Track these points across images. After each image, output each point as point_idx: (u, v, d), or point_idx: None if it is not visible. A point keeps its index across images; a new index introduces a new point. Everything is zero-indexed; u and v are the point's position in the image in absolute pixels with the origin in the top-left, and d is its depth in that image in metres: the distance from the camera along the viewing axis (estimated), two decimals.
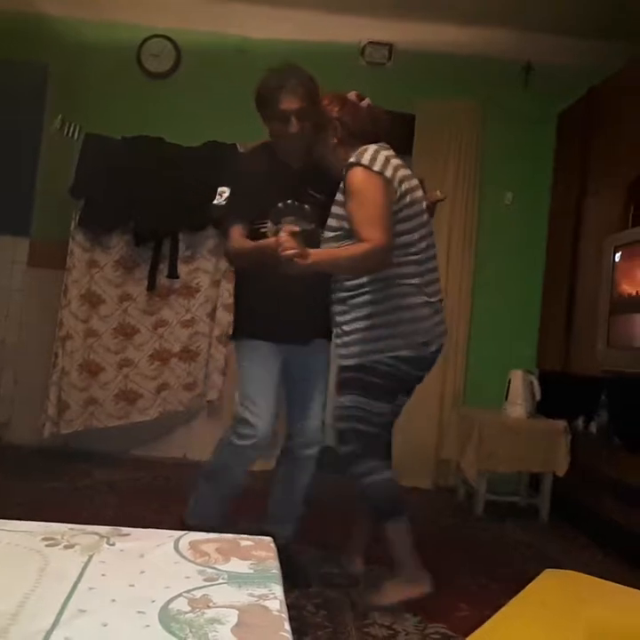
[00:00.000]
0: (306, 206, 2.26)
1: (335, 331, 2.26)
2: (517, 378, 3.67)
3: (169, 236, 3.97)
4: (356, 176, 2.06)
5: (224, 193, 2.22)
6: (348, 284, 2.18)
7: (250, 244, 2.18)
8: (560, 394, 3.74)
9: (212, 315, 4.06)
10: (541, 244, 4.21)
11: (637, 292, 3.01)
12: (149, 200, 3.89)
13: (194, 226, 4.00)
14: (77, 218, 3.91)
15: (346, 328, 2.20)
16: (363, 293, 2.17)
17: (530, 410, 3.64)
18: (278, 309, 2.27)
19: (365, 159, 2.08)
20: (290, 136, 2.18)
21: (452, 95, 4.21)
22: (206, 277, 4.06)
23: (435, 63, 4.23)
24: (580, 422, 3.57)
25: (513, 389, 3.67)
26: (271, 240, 2.03)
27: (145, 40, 4.17)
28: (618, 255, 3.17)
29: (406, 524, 2.22)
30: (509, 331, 4.22)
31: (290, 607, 2.03)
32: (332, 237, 2.18)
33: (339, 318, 2.22)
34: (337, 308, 2.23)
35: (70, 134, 3.86)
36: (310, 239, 2.17)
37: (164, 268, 3.98)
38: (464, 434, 3.60)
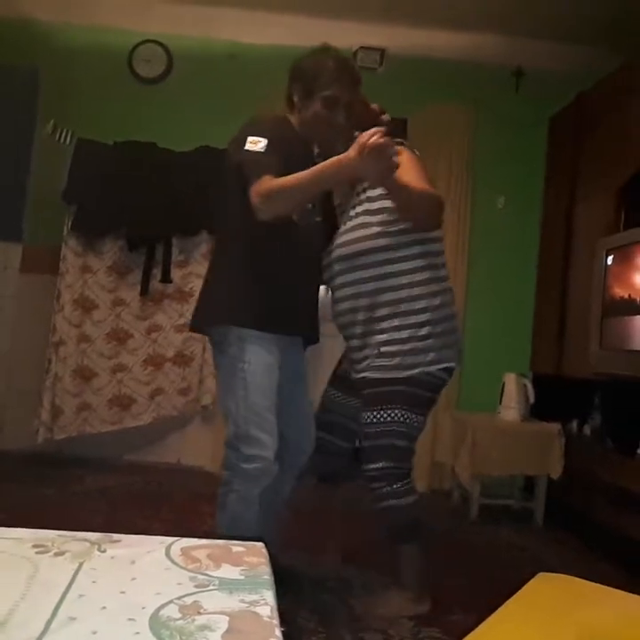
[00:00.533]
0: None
1: (371, 339, 2.11)
2: (511, 381, 3.67)
3: (162, 241, 3.97)
4: (403, 154, 1.99)
5: (259, 142, 1.91)
6: (399, 292, 2.07)
7: (314, 168, 1.85)
8: (554, 397, 3.75)
9: None
10: (534, 248, 4.23)
11: (629, 295, 3.02)
12: (142, 205, 3.89)
13: (187, 230, 4.00)
14: (70, 223, 3.91)
15: (391, 337, 2.07)
16: (417, 299, 2.08)
17: (523, 413, 3.64)
18: (297, 296, 2.10)
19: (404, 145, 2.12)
20: (333, 125, 2.06)
21: (444, 100, 4.22)
22: (200, 282, 4.03)
23: (426, 68, 4.25)
24: (573, 425, 3.57)
25: (507, 393, 3.67)
26: (351, 148, 1.75)
27: (136, 45, 4.17)
28: (610, 258, 3.18)
29: (421, 548, 2.17)
30: (503, 334, 4.23)
31: (283, 613, 2.03)
32: (377, 221, 2.10)
33: (383, 325, 2.09)
34: (382, 313, 2.09)
35: (62, 139, 3.85)
36: (318, 232, 2.16)
37: (157, 272, 3.98)
38: (458, 437, 3.60)
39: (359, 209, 2.16)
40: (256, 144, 1.90)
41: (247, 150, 1.90)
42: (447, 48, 4.19)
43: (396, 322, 2.08)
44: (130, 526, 2.37)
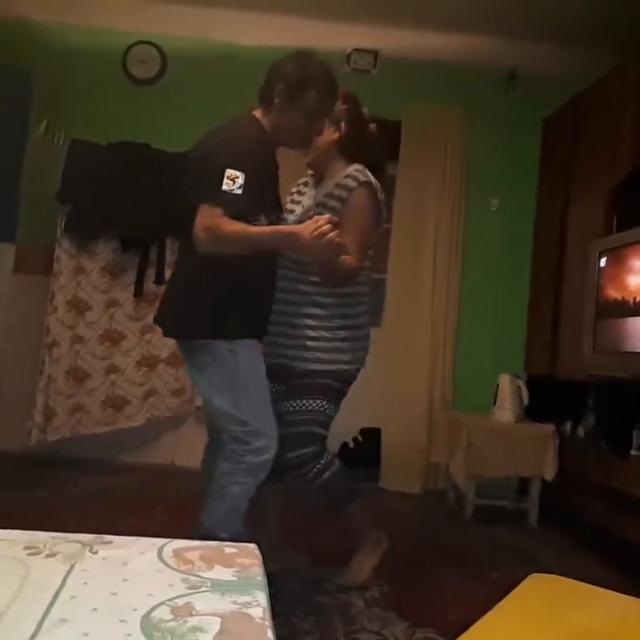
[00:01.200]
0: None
1: (296, 336, 2.27)
2: (505, 382, 3.68)
3: (156, 242, 3.96)
4: (365, 197, 2.21)
5: (237, 179, 1.89)
6: (323, 298, 2.26)
7: (266, 228, 1.99)
8: (548, 398, 3.75)
9: None
10: (527, 250, 4.24)
11: (622, 297, 3.03)
12: (136, 206, 3.88)
13: (181, 231, 3.99)
14: (63, 224, 3.89)
15: (313, 334, 2.25)
16: (339, 306, 2.28)
17: (518, 414, 3.65)
18: (263, 302, 2.18)
19: (374, 182, 2.23)
20: (310, 135, 2.14)
21: (438, 102, 4.23)
22: None
23: (420, 70, 4.26)
24: (567, 426, 3.58)
25: (501, 394, 3.68)
26: (304, 225, 1.91)
27: (130, 46, 4.17)
28: (603, 260, 3.19)
29: (360, 501, 2.38)
30: (497, 335, 4.24)
31: (278, 614, 2.03)
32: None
33: (308, 322, 2.26)
34: (307, 315, 2.27)
35: (56, 140, 3.84)
36: None
37: (151, 273, 3.97)
38: (453, 438, 3.61)
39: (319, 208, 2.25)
40: (234, 181, 1.90)
41: (224, 191, 1.89)
42: (441, 50, 4.20)
43: (316, 324, 2.27)
44: (124, 527, 2.35)
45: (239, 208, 1.91)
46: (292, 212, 2.35)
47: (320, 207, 2.22)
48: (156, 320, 2.32)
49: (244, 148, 1.97)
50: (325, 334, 2.26)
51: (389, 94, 4.17)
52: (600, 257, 3.20)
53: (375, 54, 4.24)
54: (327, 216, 1.92)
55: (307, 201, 2.35)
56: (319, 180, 2.37)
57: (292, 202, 2.41)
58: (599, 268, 3.20)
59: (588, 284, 3.27)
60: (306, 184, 2.44)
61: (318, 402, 2.24)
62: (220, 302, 2.05)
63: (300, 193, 2.42)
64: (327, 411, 2.26)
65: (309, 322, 2.27)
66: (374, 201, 2.24)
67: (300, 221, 2.14)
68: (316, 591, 2.33)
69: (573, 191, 3.78)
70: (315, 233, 1.85)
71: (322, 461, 2.24)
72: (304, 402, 2.24)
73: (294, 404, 2.24)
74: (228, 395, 2.06)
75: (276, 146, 2.13)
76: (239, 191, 1.89)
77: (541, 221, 4.17)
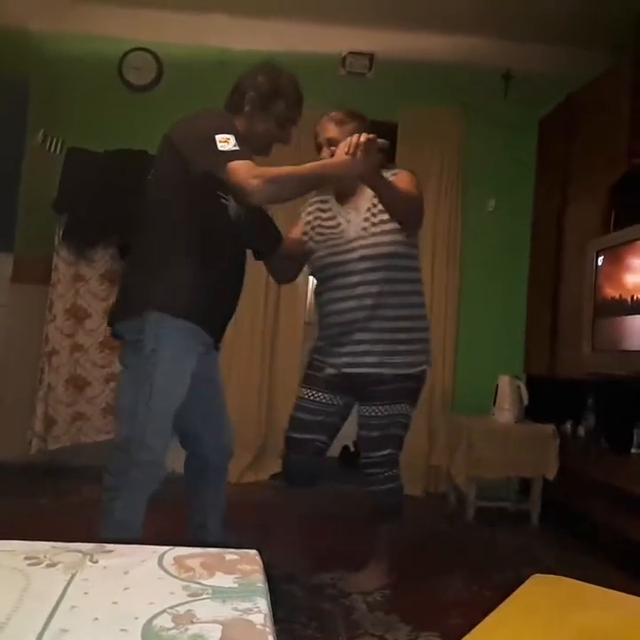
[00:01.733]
0: None
1: (390, 342, 2.29)
2: (505, 383, 3.68)
3: None
4: (408, 175, 2.34)
5: (230, 139, 1.90)
6: (416, 297, 2.36)
7: (309, 164, 1.96)
8: (547, 398, 3.75)
9: None
10: (525, 250, 4.24)
11: (620, 295, 3.04)
12: (133, 213, 3.87)
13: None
14: (61, 232, 3.89)
15: (406, 336, 2.30)
16: (420, 306, 2.39)
17: (518, 415, 3.65)
18: (224, 292, 2.08)
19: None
20: (273, 142, 2.21)
21: (434, 103, 4.24)
22: None
23: (415, 72, 4.26)
24: (568, 426, 3.58)
25: (500, 395, 3.68)
26: (338, 150, 2.00)
27: (126, 53, 4.18)
28: (600, 259, 3.20)
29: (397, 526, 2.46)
30: (496, 336, 4.24)
31: (281, 620, 2.02)
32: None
33: (402, 325, 2.30)
34: (401, 317, 2.31)
35: (52, 148, 3.85)
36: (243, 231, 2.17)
37: None
38: (453, 440, 3.60)
39: (380, 217, 2.30)
40: (228, 142, 1.89)
41: (222, 151, 1.88)
42: (436, 51, 4.21)
43: (405, 324, 2.30)
44: None
45: (235, 156, 1.88)
46: (340, 232, 2.36)
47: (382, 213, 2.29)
48: None
49: (226, 119, 2.07)
50: (414, 336, 2.33)
51: (385, 96, 4.18)
52: (597, 256, 3.20)
53: (370, 57, 4.25)
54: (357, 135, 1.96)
55: (354, 216, 2.36)
56: (343, 196, 2.41)
57: (331, 226, 2.39)
58: (597, 266, 3.21)
59: (586, 283, 3.27)
60: (326, 202, 2.45)
61: (403, 405, 2.32)
62: (171, 274, 2.00)
63: (331, 215, 2.41)
64: (410, 414, 2.36)
65: (403, 324, 2.31)
66: (418, 185, 2.32)
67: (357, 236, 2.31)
68: (319, 596, 2.32)
69: (570, 191, 3.79)
70: (351, 147, 1.91)
71: (394, 470, 2.33)
72: (388, 407, 2.30)
73: (379, 410, 2.30)
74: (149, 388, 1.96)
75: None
76: (236, 148, 1.89)
77: (538, 221, 4.18)
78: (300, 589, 2.37)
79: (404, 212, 2.24)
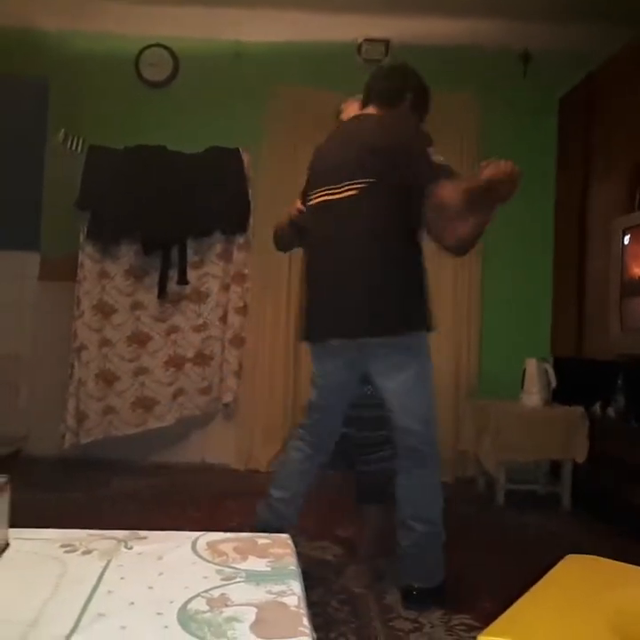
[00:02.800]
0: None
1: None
2: (532, 366, 3.65)
3: (177, 243, 3.99)
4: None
5: (436, 152, 2.05)
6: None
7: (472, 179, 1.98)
8: (576, 380, 3.71)
9: (223, 318, 4.08)
10: (549, 232, 4.19)
11: None
12: (155, 208, 3.91)
13: (201, 231, 4.02)
14: (85, 230, 3.94)
15: None
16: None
17: (546, 398, 3.62)
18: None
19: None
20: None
21: (451, 88, 4.18)
22: (216, 282, 4.08)
23: (432, 57, 4.19)
24: (597, 408, 3.54)
25: (528, 378, 3.65)
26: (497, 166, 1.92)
27: (142, 50, 4.19)
28: (627, 238, 3.15)
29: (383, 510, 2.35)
30: (522, 319, 4.20)
31: (314, 604, 2.04)
32: None
33: None
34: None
35: (73, 147, 3.89)
36: None
37: (173, 274, 4.00)
38: (481, 425, 3.59)
39: None
40: (438, 155, 2.04)
41: (440, 164, 2.02)
42: (452, 35, 4.16)
43: None
44: (157, 526, 2.38)
45: (446, 173, 2.00)
46: None
47: None
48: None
49: (422, 130, 2.19)
50: None
51: None
52: (624, 234, 3.15)
53: (386, 43, 4.21)
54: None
55: None
56: None
57: None
58: (623, 245, 3.16)
59: (613, 262, 3.23)
60: None
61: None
62: (422, 297, 2.19)
63: None
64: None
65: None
66: None
67: None
68: (351, 580, 2.34)
69: (593, 170, 3.73)
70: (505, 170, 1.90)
71: (388, 450, 2.27)
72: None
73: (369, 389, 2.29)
74: (427, 399, 2.17)
75: None
76: (443, 160, 2.03)
77: (562, 202, 4.12)
78: (333, 573, 2.39)
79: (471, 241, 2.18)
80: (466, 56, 4.18)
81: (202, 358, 4.07)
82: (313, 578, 2.30)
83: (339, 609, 2.10)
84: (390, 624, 2.02)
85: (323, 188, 2.16)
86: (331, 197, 2.13)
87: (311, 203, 2.22)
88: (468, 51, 4.18)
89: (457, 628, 2.02)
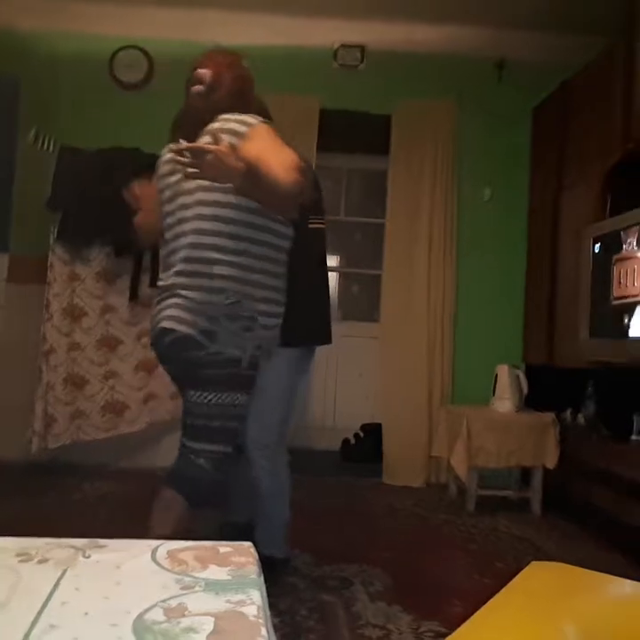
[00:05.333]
0: None
1: None
2: (504, 373, 3.67)
3: (149, 246, 3.95)
4: (258, 127, 1.94)
5: None
6: None
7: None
8: (547, 387, 3.75)
9: None
10: (522, 238, 4.23)
11: (618, 282, 3.02)
12: (128, 210, 3.86)
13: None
14: (56, 231, 3.88)
15: None
16: None
17: (517, 404, 3.64)
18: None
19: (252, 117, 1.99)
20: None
21: (427, 94, 4.22)
22: None
23: (408, 63, 4.25)
24: (567, 414, 3.58)
25: (500, 384, 3.67)
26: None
27: (116, 51, 4.16)
28: (597, 246, 3.18)
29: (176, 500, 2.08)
30: (494, 326, 4.23)
31: (283, 612, 2.02)
32: None
33: None
34: None
35: (45, 147, 3.83)
36: None
37: (145, 277, 3.96)
38: (453, 431, 3.60)
39: None
40: None
41: None
42: (428, 42, 4.19)
43: None
44: (129, 532, 2.34)
45: None
46: None
47: None
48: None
49: None
50: None
51: (377, 88, 4.17)
52: (594, 243, 3.19)
53: (362, 49, 4.23)
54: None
55: None
56: None
57: None
58: (593, 253, 3.19)
59: (583, 270, 3.26)
60: None
61: None
62: (305, 309, 2.31)
63: None
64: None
65: None
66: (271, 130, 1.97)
67: None
68: (320, 588, 2.32)
69: (565, 178, 3.77)
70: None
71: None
72: None
73: None
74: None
75: None
76: None
77: (535, 209, 4.16)
78: (302, 581, 2.37)
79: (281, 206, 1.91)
80: (442, 62, 4.21)
81: None
82: (282, 585, 2.28)
83: (307, 617, 2.09)
84: (358, 631, 2.01)
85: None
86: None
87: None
88: (445, 57, 4.21)
89: (426, 634, 2.02)
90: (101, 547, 1.09)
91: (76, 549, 1.06)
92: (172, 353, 1.97)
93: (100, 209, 3.84)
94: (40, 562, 1.00)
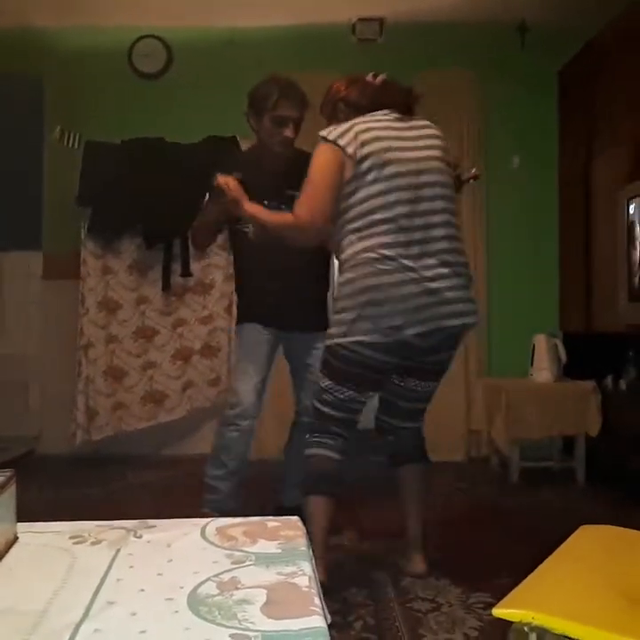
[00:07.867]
0: (282, 206, 2.33)
1: None
2: (541, 342, 3.62)
3: (178, 235, 3.97)
4: (315, 149, 2.07)
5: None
6: (340, 263, 2.11)
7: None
8: (586, 354, 3.68)
9: (228, 309, 4.06)
10: (553, 205, 4.15)
11: None
12: (155, 201, 3.89)
13: None
14: (86, 226, 3.93)
15: (334, 308, 2.11)
16: (342, 273, 2.06)
17: (556, 373, 3.59)
18: (281, 298, 2.53)
19: (327, 130, 2.06)
20: (284, 140, 2.47)
21: (449, 64, 4.14)
22: (219, 273, 4.07)
23: (428, 34, 4.17)
24: (608, 381, 3.51)
25: (537, 354, 3.63)
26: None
27: (135, 41, 4.17)
28: (632, 206, 3.11)
29: (325, 504, 2.06)
30: (529, 295, 4.17)
31: (331, 589, 2.03)
32: None
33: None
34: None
35: (70, 143, 3.87)
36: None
37: (176, 267, 3.99)
38: (492, 403, 3.57)
39: None
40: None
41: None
42: (447, 10, 4.09)
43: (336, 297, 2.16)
44: (172, 515, 2.39)
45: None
46: None
47: None
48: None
49: (232, 162, 2.91)
50: (336, 306, 2.18)
51: (398, 61, 4.09)
52: (629, 203, 3.11)
53: (380, 22, 4.16)
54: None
55: None
56: None
57: None
58: (628, 214, 3.12)
59: (619, 232, 3.19)
60: None
61: (320, 377, 2.26)
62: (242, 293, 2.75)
63: None
64: (328, 388, 2.14)
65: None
66: (322, 149, 2.04)
67: None
68: (369, 564, 2.33)
69: (596, 140, 3.68)
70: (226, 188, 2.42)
71: (319, 438, 2.14)
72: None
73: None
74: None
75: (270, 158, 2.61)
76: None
77: (565, 174, 4.08)
78: (349, 558, 2.38)
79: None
80: (462, 31, 4.12)
81: (209, 350, 4.06)
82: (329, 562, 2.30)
83: (356, 594, 2.10)
84: (408, 605, 2.02)
85: None
86: None
87: None
88: (464, 25, 4.11)
89: (475, 606, 2.01)
90: (151, 527, 1.11)
91: (127, 530, 1.09)
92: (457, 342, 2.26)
93: (129, 201, 3.88)
94: (93, 543, 1.03)
